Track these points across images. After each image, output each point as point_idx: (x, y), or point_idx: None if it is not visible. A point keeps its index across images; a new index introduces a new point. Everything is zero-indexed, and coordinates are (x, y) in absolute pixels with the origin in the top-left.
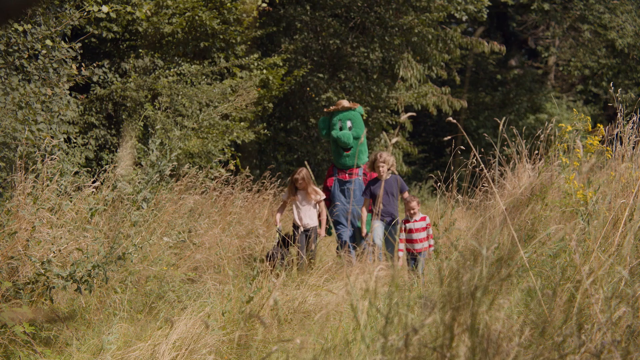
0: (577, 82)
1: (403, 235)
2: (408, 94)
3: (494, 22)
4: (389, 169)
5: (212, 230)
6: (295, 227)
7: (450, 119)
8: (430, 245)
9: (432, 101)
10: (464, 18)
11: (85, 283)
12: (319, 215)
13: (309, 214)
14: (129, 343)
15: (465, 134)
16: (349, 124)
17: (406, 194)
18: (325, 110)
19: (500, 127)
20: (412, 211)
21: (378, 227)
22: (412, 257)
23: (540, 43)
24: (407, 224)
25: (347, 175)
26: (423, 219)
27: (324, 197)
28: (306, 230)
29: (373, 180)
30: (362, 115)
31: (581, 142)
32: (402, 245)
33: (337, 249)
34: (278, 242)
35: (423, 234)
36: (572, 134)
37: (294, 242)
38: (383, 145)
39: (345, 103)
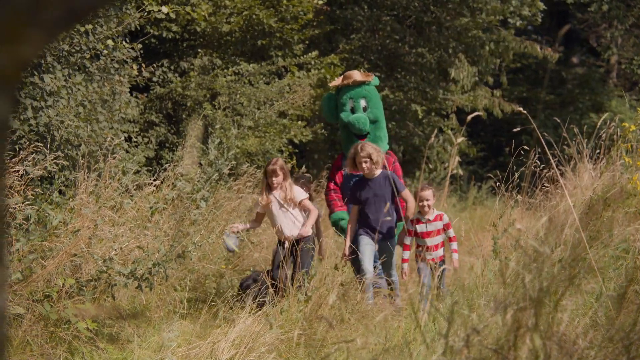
0: None
1: (409, 240)
2: (464, 97)
3: (554, 20)
4: (375, 165)
5: (270, 229)
6: (280, 242)
7: (521, 109)
8: (454, 250)
9: (482, 104)
10: (518, 23)
11: (146, 281)
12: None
13: (295, 222)
14: (189, 341)
15: (535, 126)
16: (362, 103)
17: (406, 192)
18: (330, 85)
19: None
20: (424, 202)
21: (367, 246)
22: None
23: (601, 42)
24: (416, 226)
25: None
26: (438, 218)
27: (306, 195)
28: (295, 243)
29: (358, 180)
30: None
31: None
32: (407, 254)
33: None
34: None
35: (438, 239)
36: (636, 133)
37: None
38: (441, 145)
39: (357, 75)
